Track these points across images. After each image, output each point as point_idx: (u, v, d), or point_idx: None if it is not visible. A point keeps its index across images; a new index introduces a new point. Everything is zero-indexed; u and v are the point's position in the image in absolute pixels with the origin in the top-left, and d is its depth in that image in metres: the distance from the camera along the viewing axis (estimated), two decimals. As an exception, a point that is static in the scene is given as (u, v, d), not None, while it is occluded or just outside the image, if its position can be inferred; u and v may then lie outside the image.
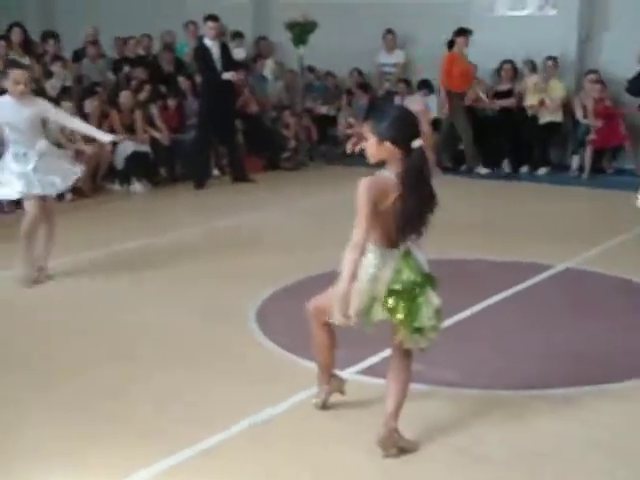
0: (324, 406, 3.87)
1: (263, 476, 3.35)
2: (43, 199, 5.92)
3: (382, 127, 3.26)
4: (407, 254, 3.33)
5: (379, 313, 3.34)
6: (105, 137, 6.52)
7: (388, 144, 3.25)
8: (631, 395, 4.10)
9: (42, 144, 5.92)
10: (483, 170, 10.56)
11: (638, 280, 5.94)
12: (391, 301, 3.30)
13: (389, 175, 3.27)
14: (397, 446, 3.45)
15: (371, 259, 3.33)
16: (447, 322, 4.90)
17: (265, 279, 5.96)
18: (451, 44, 10.48)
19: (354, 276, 3.22)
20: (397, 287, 3.29)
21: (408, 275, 3.30)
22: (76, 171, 6.20)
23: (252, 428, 3.72)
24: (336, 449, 3.56)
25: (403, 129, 3.26)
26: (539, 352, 4.65)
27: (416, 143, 3.23)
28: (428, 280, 3.36)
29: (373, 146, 3.29)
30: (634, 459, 3.45)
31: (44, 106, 6.01)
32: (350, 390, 3.94)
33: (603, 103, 10.35)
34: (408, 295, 3.30)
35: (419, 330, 3.33)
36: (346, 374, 4.13)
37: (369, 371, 4.29)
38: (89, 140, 9.16)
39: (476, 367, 4.45)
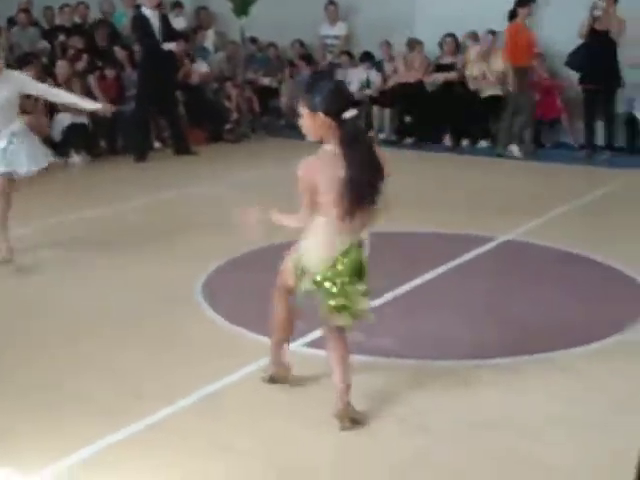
0: (271, 380, 3.86)
1: (210, 449, 3.33)
2: (8, 178, 5.61)
3: (315, 100, 3.29)
4: (354, 247, 3.36)
5: (306, 283, 3.39)
6: (90, 106, 6.41)
7: (321, 116, 3.27)
8: (573, 364, 4.18)
9: (17, 124, 5.59)
10: (515, 150, 10.07)
11: (577, 251, 6.07)
12: (320, 280, 3.35)
13: (330, 149, 3.29)
14: (350, 418, 3.48)
15: (319, 235, 3.34)
16: (390, 294, 4.99)
17: (210, 253, 5.91)
18: (512, 15, 9.89)
19: (296, 227, 3.40)
20: (318, 278, 3.34)
21: (337, 274, 3.33)
22: (49, 154, 5.93)
23: (200, 402, 3.70)
24: (285, 422, 3.56)
25: (335, 101, 3.29)
26: (481, 323, 4.72)
27: (348, 114, 3.27)
28: (355, 278, 3.38)
29: (307, 120, 3.33)
30: (581, 428, 3.52)
31: (22, 81, 5.67)
32: (298, 363, 3.94)
33: (540, 77, 10.49)
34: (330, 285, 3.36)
35: (346, 308, 3.38)
36: (293, 347, 4.13)
37: (316, 344, 4.29)
38: (24, 111, 8.93)
39: (419, 338, 4.49)
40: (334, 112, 3.26)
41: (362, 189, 3.29)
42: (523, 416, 3.63)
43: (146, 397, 3.74)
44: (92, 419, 3.53)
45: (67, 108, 9.31)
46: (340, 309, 3.38)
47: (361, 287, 3.40)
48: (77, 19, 11.48)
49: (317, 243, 3.35)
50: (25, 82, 5.69)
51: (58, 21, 11.53)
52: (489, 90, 10.73)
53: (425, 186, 8.38)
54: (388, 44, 11.39)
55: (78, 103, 6.19)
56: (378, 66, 11.54)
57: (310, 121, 3.31)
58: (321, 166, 3.29)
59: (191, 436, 3.42)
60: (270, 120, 12.02)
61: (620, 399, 3.78)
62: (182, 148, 10.04)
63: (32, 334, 4.51)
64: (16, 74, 5.74)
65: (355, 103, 3.43)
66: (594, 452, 3.32)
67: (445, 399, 3.77)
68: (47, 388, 3.84)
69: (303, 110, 3.33)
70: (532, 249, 6.25)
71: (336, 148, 3.28)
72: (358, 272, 3.39)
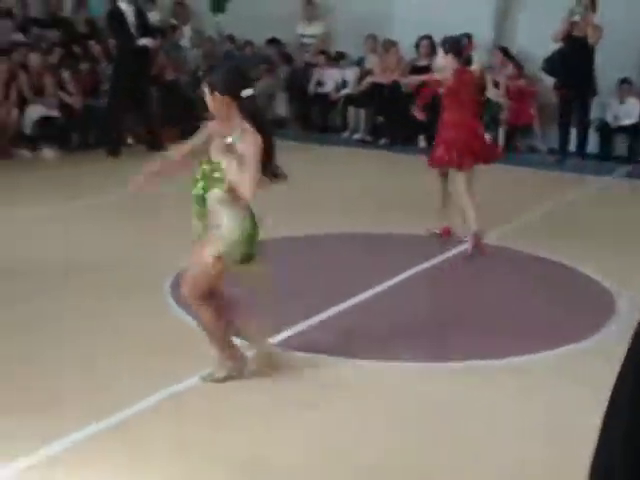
0: (228, 378, 3.81)
1: (175, 449, 3.30)
2: None
3: (214, 80, 3.54)
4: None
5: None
6: None
7: (218, 95, 3.50)
8: (538, 368, 4.21)
9: None
10: None
11: (547, 256, 6.10)
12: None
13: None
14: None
15: (239, 213, 3.57)
16: (365, 294, 4.99)
17: (179, 249, 5.84)
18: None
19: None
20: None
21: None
22: None
23: (164, 401, 3.66)
24: (251, 422, 3.54)
25: (232, 80, 3.54)
26: (453, 325, 4.73)
27: (246, 92, 3.49)
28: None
29: (209, 99, 3.55)
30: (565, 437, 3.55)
31: None
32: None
33: (515, 82, 10.54)
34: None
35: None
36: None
37: (284, 344, 4.27)
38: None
39: (403, 340, 4.47)
40: (231, 92, 3.46)
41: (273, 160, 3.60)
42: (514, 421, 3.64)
43: (110, 395, 3.70)
44: (56, 417, 3.47)
45: (37, 100, 9.27)
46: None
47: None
48: (51, 12, 11.32)
49: (240, 223, 3.56)
50: None
51: (32, 13, 11.37)
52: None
53: (401, 188, 8.36)
54: (374, 38, 11.37)
55: None
56: (357, 64, 11.57)
57: (210, 100, 3.53)
58: None
59: (155, 437, 3.38)
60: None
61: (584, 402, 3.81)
62: (155, 144, 9.95)
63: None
64: None
65: (252, 82, 3.71)
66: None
67: (431, 400, 3.77)
68: (12, 384, 3.79)
69: (206, 90, 3.55)
70: (504, 252, 6.27)
71: (242, 124, 3.47)
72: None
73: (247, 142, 3.44)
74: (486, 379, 4.04)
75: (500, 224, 6.92)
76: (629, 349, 0.89)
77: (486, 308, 5.06)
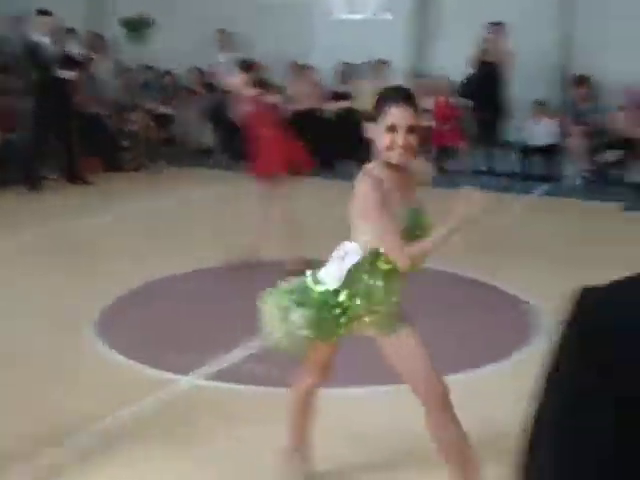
0: None
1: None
2: None
3: None
4: None
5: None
6: None
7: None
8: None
9: None
10: None
11: (464, 273, 6.18)
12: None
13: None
14: None
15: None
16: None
17: (103, 285, 5.76)
18: None
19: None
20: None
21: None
22: None
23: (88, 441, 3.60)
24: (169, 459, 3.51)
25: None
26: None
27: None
28: None
29: None
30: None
31: None
32: (199, 395, 3.88)
33: (444, 105, 10.72)
34: None
35: None
36: (191, 378, 4.09)
37: (217, 375, 4.24)
38: None
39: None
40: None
41: None
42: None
43: (30, 437, 3.61)
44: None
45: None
46: None
47: None
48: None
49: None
50: None
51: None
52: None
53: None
54: (296, 64, 11.44)
55: None
56: (280, 91, 11.62)
57: None
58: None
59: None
60: (169, 149, 11.86)
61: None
62: (76, 176, 9.81)
63: None
64: None
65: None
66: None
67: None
68: None
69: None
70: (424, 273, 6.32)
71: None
72: None
73: None
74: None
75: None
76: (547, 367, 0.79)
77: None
